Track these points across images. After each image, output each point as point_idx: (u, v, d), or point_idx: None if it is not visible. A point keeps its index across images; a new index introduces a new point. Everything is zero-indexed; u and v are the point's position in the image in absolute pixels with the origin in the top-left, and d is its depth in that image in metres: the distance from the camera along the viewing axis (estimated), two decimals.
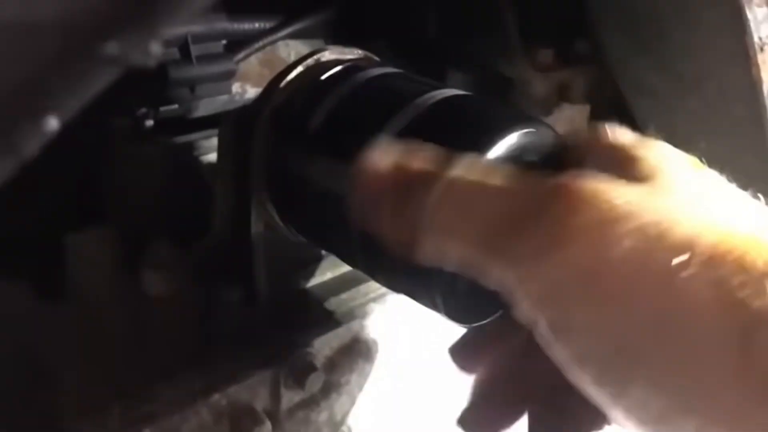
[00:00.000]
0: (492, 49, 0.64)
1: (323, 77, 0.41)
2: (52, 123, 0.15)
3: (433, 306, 0.36)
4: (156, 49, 0.16)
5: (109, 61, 0.15)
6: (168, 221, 0.53)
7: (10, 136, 0.15)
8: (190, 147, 0.57)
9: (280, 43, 0.61)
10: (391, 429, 0.52)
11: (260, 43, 0.58)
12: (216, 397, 0.42)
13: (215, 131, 0.52)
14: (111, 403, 0.40)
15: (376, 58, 0.45)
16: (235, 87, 0.60)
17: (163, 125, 0.58)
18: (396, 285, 0.39)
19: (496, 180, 0.29)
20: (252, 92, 0.61)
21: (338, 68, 0.41)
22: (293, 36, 0.61)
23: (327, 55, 0.43)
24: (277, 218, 0.44)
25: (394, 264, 0.36)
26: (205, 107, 0.58)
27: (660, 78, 0.56)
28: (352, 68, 0.41)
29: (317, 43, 0.65)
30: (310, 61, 0.42)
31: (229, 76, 0.56)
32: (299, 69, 0.42)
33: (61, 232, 0.49)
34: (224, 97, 0.58)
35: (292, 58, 0.64)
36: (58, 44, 0.14)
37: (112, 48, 0.15)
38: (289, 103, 0.42)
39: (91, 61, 0.15)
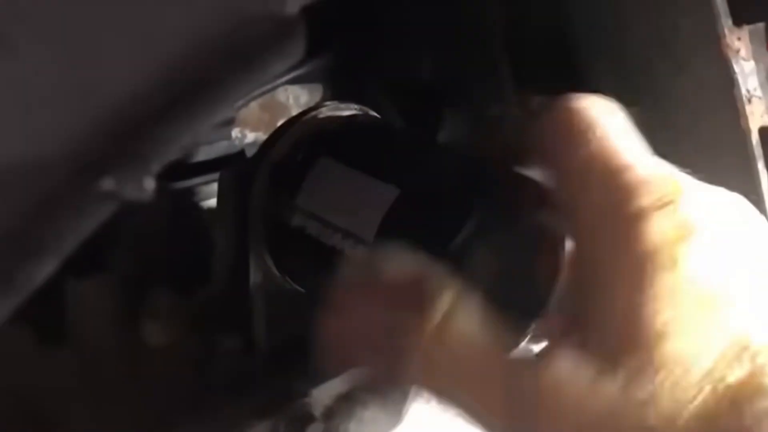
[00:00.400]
0: (486, 93, 0.65)
1: (320, 133, 0.42)
2: (52, 261, 0.16)
3: None
4: (149, 184, 0.17)
5: (105, 196, 0.16)
6: (167, 267, 0.53)
7: (11, 275, 0.15)
8: (190, 192, 0.58)
9: (280, 89, 0.62)
10: None
11: (261, 90, 0.59)
12: None
13: (215, 176, 0.53)
14: None
15: (374, 113, 0.46)
16: (235, 132, 0.61)
17: (163, 170, 0.58)
18: None
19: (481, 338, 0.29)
20: (251, 137, 0.62)
21: (335, 124, 0.42)
22: (292, 82, 0.62)
23: (325, 112, 0.43)
24: (274, 269, 0.45)
25: None
26: (204, 153, 0.59)
27: (651, 124, 0.57)
28: (349, 124, 0.42)
29: (315, 87, 0.66)
30: (308, 118, 0.43)
31: (229, 122, 0.57)
32: (298, 125, 0.43)
33: (61, 277, 0.50)
34: (224, 143, 0.59)
35: (291, 102, 0.65)
36: (60, 181, 0.15)
37: (108, 184, 0.16)
38: (287, 159, 0.42)
39: (89, 197, 0.16)
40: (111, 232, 0.56)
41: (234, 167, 0.45)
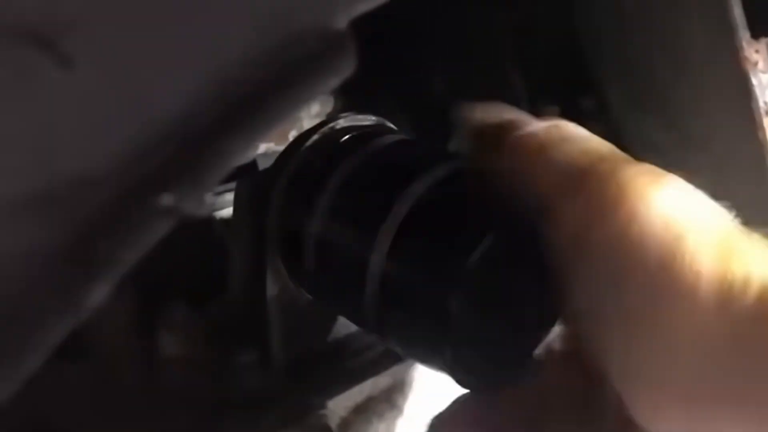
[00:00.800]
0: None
1: (337, 144, 0.42)
2: (109, 279, 0.16)
3: (443, 366, 0.36)
4: (210, 199, 0.17)
5: (164, 212, 0.16)
6: (182, 279, 0.53)
7: (69, 294, 0.15)
8: (206, 203, 0.58)
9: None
10: None
11: None
12: None
13: (227, 186, 0.53)
14: None
15: (391, 125, 0.46)
16: (261, 146, 0.60)
17: None
18: (406, 346, 0.39)
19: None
20: (263, 147, 0.62)
21: (352, 135, 0.42)
22: None
23: (342, 123, 0.43)
24: (290, 281, 0.44)
25: (405, 325, 0.37)
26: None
27: (666, 135, 0.57)
28: (366, 135, 0.42)
29: (327, 98, 0.66)
30: (325, 129, 0.43)
31: None
32: (315, 137, 0.43)
33: None
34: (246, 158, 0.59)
35: (303, 113, 0.65)
36: (117, 197, 0.15)
37: (167, 200, 0.16)
38: (304, 170, 0.42)
39: (146, 213, 0.16)
40: None
41: (250, 179, 0.45)
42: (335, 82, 0.17)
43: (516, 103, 0.64)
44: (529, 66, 0.63)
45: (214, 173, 0.16)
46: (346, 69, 0.17)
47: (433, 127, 0.68)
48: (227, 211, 0.54)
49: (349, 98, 0.67)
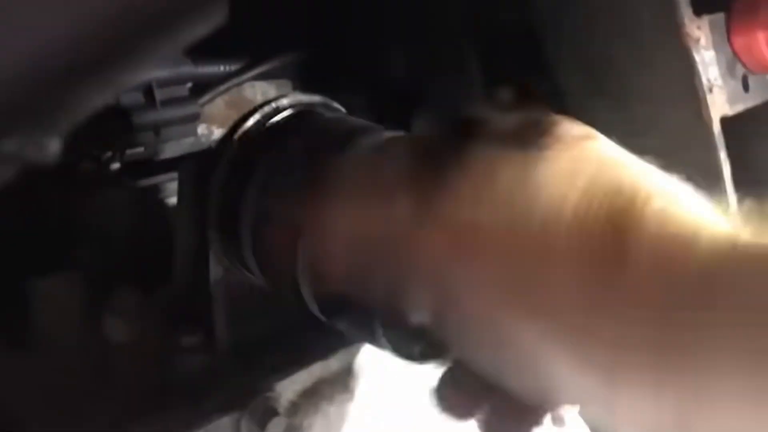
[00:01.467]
0: (456, 89, 0.65)
1: (273, 123, 0.42)
2: None
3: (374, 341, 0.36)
4: (54, 146, 0.17)
5: (5, 159, 0.16)
6: (133, 265, 0.53)
7: None
8: (156, 190, 0.58)
9: (246, 85, 0.62)
10: None
11: (225, 86, 0.59)
12: None
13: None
14: None
15: (335, 104, 0.46)
16: (201, 129, 0.60)
17: (129, 168, 0.58)
18: (340, 322, 0.39)
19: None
20: (218, 133, 0.62)
21: (288, 114, 0.42)
22: (259, 78, 0.61)
23: (284, 102, 0.43)
24: (234, 261, 0.44)
25: (340, 301, 0.37)
26: (171, 150, 0.58)
27: (616, 118, 0.57)
28: (303, 113, 0.42)
29: (284, 83, 0.66)
30: (267, 108, 0.43)
31: (194, 119, 0.57)
32: (256, 117, 0.42)
33: (25, 277, 0.50)
34: (190, 139, 0.58)
35: (259, 99, 0.64)
36: None
37: (8, 146, 0.15)
38: (245, 150, 0.42)
39: None
40: (75, 230, 0.55)
41: (192, 162, 0.45)
42: (206, 29, 0.17)
43: (472, 84, 0.64)
44: (486, 49, 0.63)
45: (60, 119, 0.16)
46: (218, 16, 0.16)
47: (392, 109, 0.68)
48: (175, 200, 0.54)
49: (307, 83, 0.66)
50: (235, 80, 0.59)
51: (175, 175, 0.57)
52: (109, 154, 0.57)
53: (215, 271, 0.45)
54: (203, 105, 0.58)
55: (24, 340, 0.50)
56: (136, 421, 0.44)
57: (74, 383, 0.48)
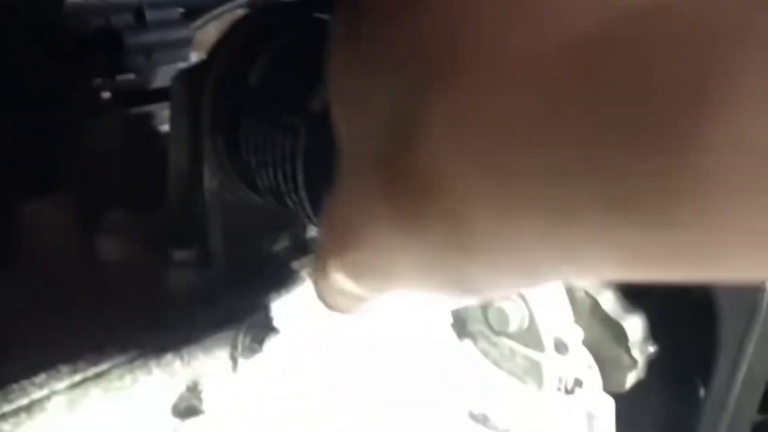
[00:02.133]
0: None
1: (262, 26, 0.40)
2: None
3: None
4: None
5: None
6: (126, 191, 0.52)
7: None
8: (148, 117, 0.57)
9: (239, 12, 0.60)
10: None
11: (218, 10, 0.58)
12: (169, 357, 0.41)
13: None
14: (59, 364, 0.39)
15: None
16: (193, 56, 0.59)
17: (121, 98, 0.57)
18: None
19: None
20: None
21: (276, 17, 0.41)
22: (250, 4, 0.60)
23: (275, 8, 0.42)
24: (229, 175, 0.43)
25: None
26: (162, 77, 0.57)
27: None
28: (291, 16, 0.41)
29: None
30: (256, 11, 0.41)
31: (186, 43, 0.56)
32: (245, 21, 0.41)
33: (16, 199, 0.49)
34: (182, 65, 0.57)
35: None
36: None
37: None
38: (236, 59, 0.41)
39: None
40: (64, 154, 0.54)
41: (184, 71, 0.44)
42: None
43: None
44: None
45: None
46: None
47: None
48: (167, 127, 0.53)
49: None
50: (228, 5, 0.58)
51: (167, 104, 0.56)
52: (100, 81, 0.56)
53: (209, 183, 0.44)
54: (195, 30, 0.57)
55: (15, 259, 0.49)
56: (129, 338, 0.43)
57: (64, 302, 0.47)
